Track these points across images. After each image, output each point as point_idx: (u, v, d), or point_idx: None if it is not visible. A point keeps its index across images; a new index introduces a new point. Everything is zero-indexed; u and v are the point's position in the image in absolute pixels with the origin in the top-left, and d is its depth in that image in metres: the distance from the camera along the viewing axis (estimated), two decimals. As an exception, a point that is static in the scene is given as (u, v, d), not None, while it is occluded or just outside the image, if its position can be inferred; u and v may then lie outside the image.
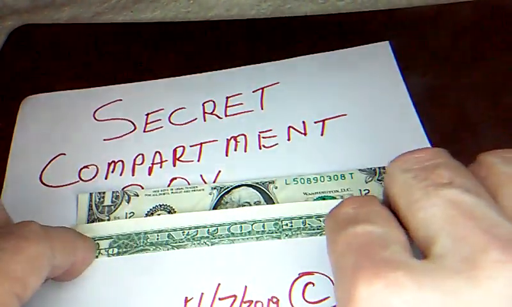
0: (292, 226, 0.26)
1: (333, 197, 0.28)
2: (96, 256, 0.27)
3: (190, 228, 0.27)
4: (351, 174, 0.28)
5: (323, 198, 0.28)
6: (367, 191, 0.28)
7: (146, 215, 0.28)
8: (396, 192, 0.18)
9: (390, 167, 0.19)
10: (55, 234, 0.23)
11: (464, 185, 0.17)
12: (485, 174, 0.18)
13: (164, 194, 0.29)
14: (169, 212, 0.28)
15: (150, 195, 0.29)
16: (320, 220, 0.26)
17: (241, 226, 0.27)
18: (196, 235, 0.27)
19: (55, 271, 0.23)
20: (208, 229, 0.27)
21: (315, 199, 0.28)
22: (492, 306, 0.14)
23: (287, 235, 0.26)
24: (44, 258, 0.22)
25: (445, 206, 0.16)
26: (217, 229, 0.27)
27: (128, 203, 0.29)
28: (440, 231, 0.16)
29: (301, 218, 0.27)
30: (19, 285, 0.20)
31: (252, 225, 0.27)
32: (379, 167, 0.28)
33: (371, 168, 0.28)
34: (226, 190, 0.29)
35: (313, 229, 0.26)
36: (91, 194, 0.29)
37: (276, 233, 0.26)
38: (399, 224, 0.18)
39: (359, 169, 0.29)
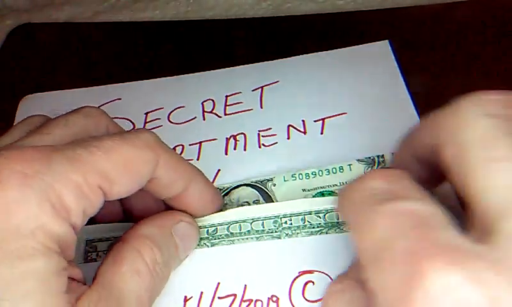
0: (291, 223, 0.26)
1: (332, 192, 0.28)
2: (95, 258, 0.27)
3: None
4: (350, 165, 0.28)
5: (322, 194, 0.28)
6: None
7: None
8: (468, 140, 0.15)
9: (463, 104, 0.15)
10: (167, 149, 0.24)
11: None
12: None
13: None
14: None
15: None
16: (320, 217, 0.26)
17: (240, 225, 0.27)
18: None
19: (161, 186, 0.24)
20: (208, 230, 0.27)
21: (314, 196, 0.28)
22: None
23: (286, 234, 0.26)
24: (141, 163, 0.22)
25: None
26: (216, 229, 0.27)
27: None
28: None
29: (300, 215, 0.26)
30: (105, 181, 0.21)
31: (251, 223, 0.27)
32: (377, 156, 0.28)
33: (369, 157, 0.28)
34: (225, 192, 0.29)
35: (313, 227, 0.26)
36: None
37: (275, 232, 0.26)
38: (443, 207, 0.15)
39: (358, 160, 0.28)
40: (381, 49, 0.35)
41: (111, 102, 0.35)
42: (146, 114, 0.34)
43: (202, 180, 0.26)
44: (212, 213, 0.27)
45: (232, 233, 0.27)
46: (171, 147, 0.31)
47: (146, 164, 0.22)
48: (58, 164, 0.20)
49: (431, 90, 0.33)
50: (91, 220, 0.27)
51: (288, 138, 0.31)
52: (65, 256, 0.20)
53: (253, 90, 0.34)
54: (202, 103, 0.34)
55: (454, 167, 0.15)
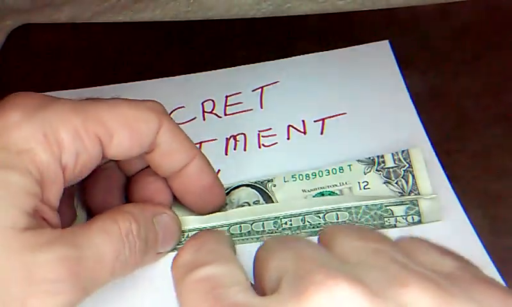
0: (291, 224, 0.26)
1: (332, 192, 0.28)
2: None
3: (189, 231, 0.27)
4: (350, 165, 0.28)
5: (322, 194, 0.28)
6: (365, 183, 0.27)
7: None
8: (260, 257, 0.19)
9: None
10: (172, 120, 0.24)
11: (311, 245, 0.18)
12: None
13: None
14: None
15: None
16: (320, 217, 0.26)
17: (241, 226, 0.27)
18: None
19: (162, 155, 0.24)
20: None
21: (314, 196, 0.28)
22: None
23: (287, 235, 0.26)
24: (143, 123, 0.23)
25: (292, 257, 0.17)
26: None
27: None
28: (285, 272, 0.17)
29: (300, 215, 0.26)
30: (104, 131, 0.22)
31: (252, 225, 0.27)
32: (377, 156, 0.28)
33: (369, 157, 0.28)
34: (225, 192, 0.29)
35: (313, 227, 0.26)
36: None
37: (276, 233, 0.26)
38: (239, 264, 0.18)
39: (357, 160, 0.28)
40: (381, 49, 0.35)
41: (111, 102, 0.35)
42: (146, 114, 0.34)
43: (205, 161, 0.26)
44: (215, 210, 0.27)
45: (232, 234, 0.26)
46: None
47: (148, 126, 0.23)
48: (61, 108, 0.22)
49: (431, 90, 0.33)
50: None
51: (288, 138, 0.31)
52: (46, 193, 0.21)
53: (253, 90, 0.34)
54: (202, 104, 0.34)
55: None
